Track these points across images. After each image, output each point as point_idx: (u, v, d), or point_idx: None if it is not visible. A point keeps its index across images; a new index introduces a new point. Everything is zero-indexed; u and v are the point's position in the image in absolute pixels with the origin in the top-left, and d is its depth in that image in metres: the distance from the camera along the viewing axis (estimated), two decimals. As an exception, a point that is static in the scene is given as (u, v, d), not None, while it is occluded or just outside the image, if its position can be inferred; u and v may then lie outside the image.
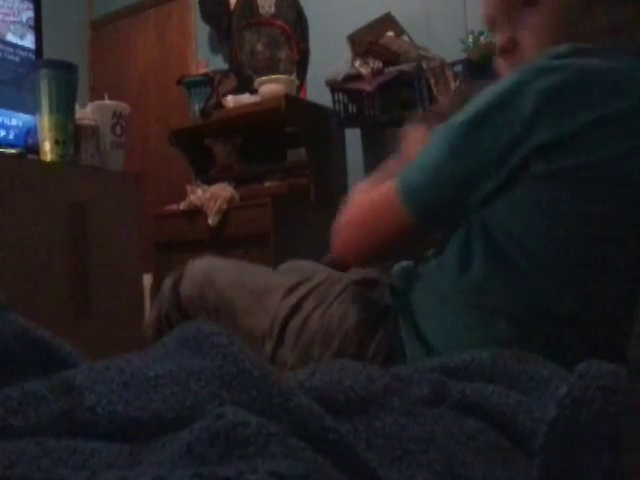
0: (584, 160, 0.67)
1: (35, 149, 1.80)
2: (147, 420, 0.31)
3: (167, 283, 1.05)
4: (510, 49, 0.84)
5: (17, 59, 1.86)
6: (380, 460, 0.31)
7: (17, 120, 1.85)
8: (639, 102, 0.67)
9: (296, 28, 3.12)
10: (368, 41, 2.50)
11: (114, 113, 1.94)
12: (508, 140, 0.70)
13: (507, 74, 0.79)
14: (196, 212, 2.63)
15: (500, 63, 0.87)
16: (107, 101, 2.01)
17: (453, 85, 2.32)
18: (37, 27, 1.93)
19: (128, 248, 1.90)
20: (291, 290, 0.92)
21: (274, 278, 0.97)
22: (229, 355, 0.34)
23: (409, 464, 0.31)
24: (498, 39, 0.85)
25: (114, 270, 1.84)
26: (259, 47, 3.19)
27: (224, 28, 3.38)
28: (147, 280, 2.18)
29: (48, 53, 1.99)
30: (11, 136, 1.82)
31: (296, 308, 0.89)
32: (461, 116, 0.74)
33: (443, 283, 0.77)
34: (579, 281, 0.69)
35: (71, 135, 1.79)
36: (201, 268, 1.01)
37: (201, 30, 3.59)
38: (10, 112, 1.82)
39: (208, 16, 3.45)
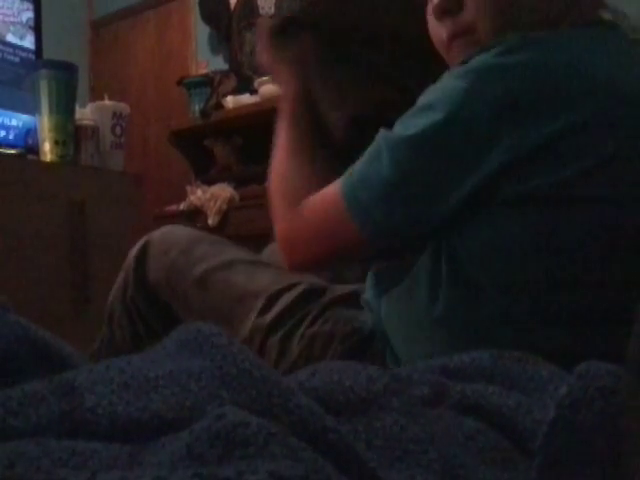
0: (558, 177, 0.59)
1: (35, 149, 1.80)
2: (147, 421, 0.31)
3: (130, 259, 1.00)
4: (453, 11, 0.70)
5: (17, 59, 1.86)
6: (380, 460, 0.31)
7: (17, 120, 1.85)
8: (606, 101, 0.60)
9: (296, 28, 3.12)
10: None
11: (114, 113, 1.94)
12: (461, 162, 0.62)
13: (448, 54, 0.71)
14: (196, 212, 2.63)
15: (437, 32, 0.74)
16: (107, 101, 2.01)
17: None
18: (37, 27, 1.93)
19: (128, 249, 1.90)
20: (269, 301, 0.84)
21: (253, 277, 0.89)
22: (229, 356, 0.34)
23: (409, 464, 0.31)
24: None
25: (114, 271, 1.84)
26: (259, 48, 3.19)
27: (224, 29, 3.38)
28: (147, 280, 2.18)
29: (48, 54, 1.99)
30: (11, 136, 1.83)
31: (274, 325, 0.83)
32: (407, 127, 0.65)
33: (415, 312, 0.70)
34: (567, 315, 0.62)
35: (71, 135, 1.79)
36: (168, 252, 0.94)
37: (201, 31, 3.59)
38: (10, 112, 1.83)
39: (208, 17, 3.46)
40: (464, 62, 0.64)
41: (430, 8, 0.74)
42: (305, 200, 0.75)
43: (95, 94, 3.65)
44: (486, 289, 0.64)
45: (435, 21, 0.74)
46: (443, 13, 0.71)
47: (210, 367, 0.34)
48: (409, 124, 0.65)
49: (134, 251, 1.00)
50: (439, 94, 0.64)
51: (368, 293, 0.82)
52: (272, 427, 0.27)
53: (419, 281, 0.70)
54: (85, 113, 1.92)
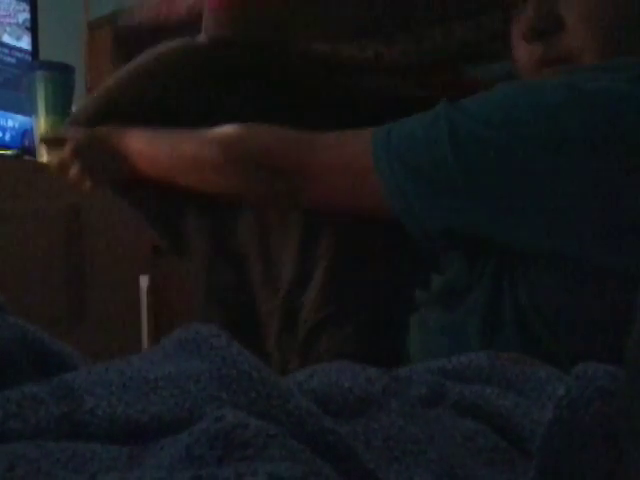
0: None
1: (31, 150, 1.79)
2: (146, 422, 0.31)
3: None
4: (549, 32, 0.58)
5: (13, 60, 1.86)
6: (378, 461, 0.32)
7: (13, 121, 1.84)
8: None
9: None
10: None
11: (111, 115, 1.94)
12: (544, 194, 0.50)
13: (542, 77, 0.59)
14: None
15: (523, 54, 0.62)
16: (104, 103, 2.01)
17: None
18: (33, 28, 1.93)
19: (125, 250, 1.90)
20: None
21: None
22: (228, 357, 0.34)
23: (407, 465, 0.31)
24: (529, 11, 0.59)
25: (111, 272, 1.84)
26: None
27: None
28: (144, 282, 2.18)
29: (45, 55, 1.99)
30: (7, 137, 1.82)
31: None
32: (479, 124, 0.52)
33: (457, 349, 0.56)
34: None
35: (68, 137, 1.78)
36: None
37: (198, 31, 3.58)
38: (6, 113, 1.82)
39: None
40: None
41: (517, 28, 0.63)
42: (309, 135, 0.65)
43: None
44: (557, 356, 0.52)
45: (523, 43, 0.62)
46: (537, 35, 0.60)
47: (209, 369, 0.34)
48: (481, 118, 0.54)
49: None
50: (534, 105, 0.52)
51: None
52: (271, 429, 0.27)
53: (470, 315, 0.59)
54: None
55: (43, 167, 1.75)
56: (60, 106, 1.75)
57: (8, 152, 1.79)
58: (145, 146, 0.78)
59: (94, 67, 4.11)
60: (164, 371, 0.34)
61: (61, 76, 1.75)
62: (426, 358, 0.61)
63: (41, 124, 1.74)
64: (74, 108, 1.84)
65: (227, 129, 0.71)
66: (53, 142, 0.90)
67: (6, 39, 1.85)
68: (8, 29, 1.85)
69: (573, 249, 0.52)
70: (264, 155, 0.67)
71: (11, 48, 1.86)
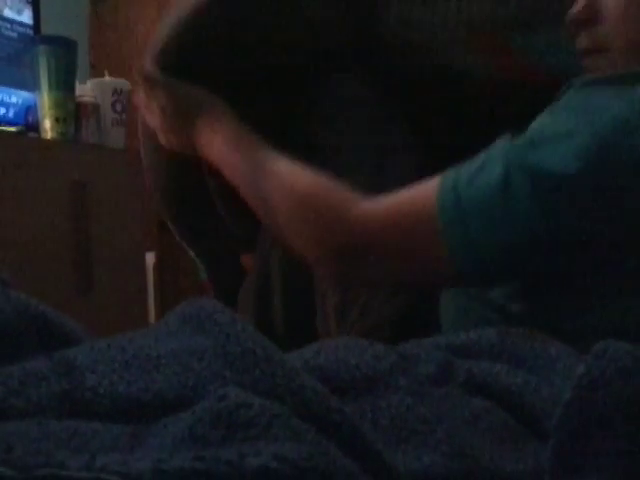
0: None
1: (35, 127, 1.78)
2: (149, 401, 0.31)
3: None
4: (590, 22, 0.59)
5: (15, 35, 1.83)
6: (386, 440, 0.31)
7: (16, 97, 1.82)
8: None
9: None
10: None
11: (114, 90, 1.92)
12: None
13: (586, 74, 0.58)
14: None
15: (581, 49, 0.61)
16: (107, 78, 1.99)
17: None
18: (35, 2, 1.90)
19: (131, 226, 1.89)
20: None
21: None
22: (232, 334, 0.34)
23: (415, 445, 0.30)
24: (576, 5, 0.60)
25: (117, 248, 1.84)
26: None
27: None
28: (150, 258, 2.18)
29: (46, 29, 1.96)
30: (11, 114, 1.81)
31: None
32: (550, 159, 0.50)
33: None
34: None
35: (71, 113, 1.77)
36: None
37: (202, 5, 3.53)
38: (9, 89, 1.80)
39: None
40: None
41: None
42: (376, 199, 0.60)
43: (96, 70, 3.61)
44: None
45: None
46: (578, 25, 0.61)
47: (213, 346, 0.33)
48: (552, 155, 0.51)
49: None
50: (589, 121, 0.52)
51: None
52: (275, 408, 0.27)
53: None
54: (85, 90, 1.90)
55: (48, 144, 1.74)
56: (63, 81, 1.73)
57: (12, 129, 1.78)
58: (228, 156, 0.72)
59: (97, 41, 4.07)
60: (167, 348, 0.34)
61: (64, 51, 1.73)
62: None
63: (44, 100, 1.72)
64: (77, 83, 1.82)
65: (304, 186, 0.64)
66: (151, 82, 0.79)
67: (7, 13, 1.82)
68: (9, 3, 1.83)
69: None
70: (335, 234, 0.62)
71: (12, 22, 1.83)
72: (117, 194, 1.85)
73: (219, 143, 0.72)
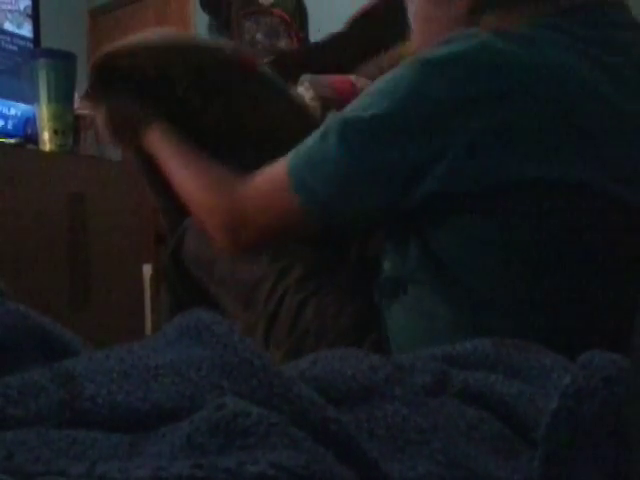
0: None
1: (34, 139, 1.79)
2: (147, 410, 0.31)
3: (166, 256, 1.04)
4: None
5: (15, 48, 1.85)
6: (382, 450, 0.31)
7: (16, 110, 1.83)
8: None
9: (295, 17, 3.10)
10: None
11: (113, 102, 1.93)
12: (410, 154, 0.64)
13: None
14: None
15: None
16: (106, 90, 1.99)
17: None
18: (35, 16, 1.91)
19: (128, 238, 1.90)
20: (282, 273, 0.88)
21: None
22: (230, 345, 0.34)
23: (411, 454, 0.31)
24: None
25: (114, 260, 1.84)
26: (259, 36, 3.17)
27: (223, 17, 3.35)
28: (147, 270, 2.18)
29: (46, 42, 1.98)
30: (9, 126, 1.82)
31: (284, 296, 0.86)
32: (358, 110, 0.66)
33: (437, 340, 0.70)
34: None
35: (70, 125, 1.77)
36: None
37: (200, 19, 3.56)
38: (8, 102, 1.81)
39: (207, 5, 3.43)
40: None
41: None
42: (244, 180, 0.75)
43: (94, 83, 3.63)
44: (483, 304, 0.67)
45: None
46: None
47: (211, 356, 0.34)
48: (360, 107, 0.66)
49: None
50: (394, 82, 0.65)
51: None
52: (273, 417, 0.27)
53: (421, 291, 0.72)
54: (84, 102, 1.91)
55: (46, 156, 1.74)
56: (62, 94, 1.74)
57: (11, 141, 1.78)
58: (160, 152, 0.90)
59: (96, 54, 4.10)
60: (165, 358, 0.34)
61: (63, 64, 1.74)
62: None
63: (43, 112, 1.73)
64: (76, 96, 1.83)
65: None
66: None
67: (7, 27, 1.83)
68: (9, 16, 1.84)
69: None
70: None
71: (12, 36, 1.84)
72: (115, 206, 1.85)
73: (154, 140, 0.91)
